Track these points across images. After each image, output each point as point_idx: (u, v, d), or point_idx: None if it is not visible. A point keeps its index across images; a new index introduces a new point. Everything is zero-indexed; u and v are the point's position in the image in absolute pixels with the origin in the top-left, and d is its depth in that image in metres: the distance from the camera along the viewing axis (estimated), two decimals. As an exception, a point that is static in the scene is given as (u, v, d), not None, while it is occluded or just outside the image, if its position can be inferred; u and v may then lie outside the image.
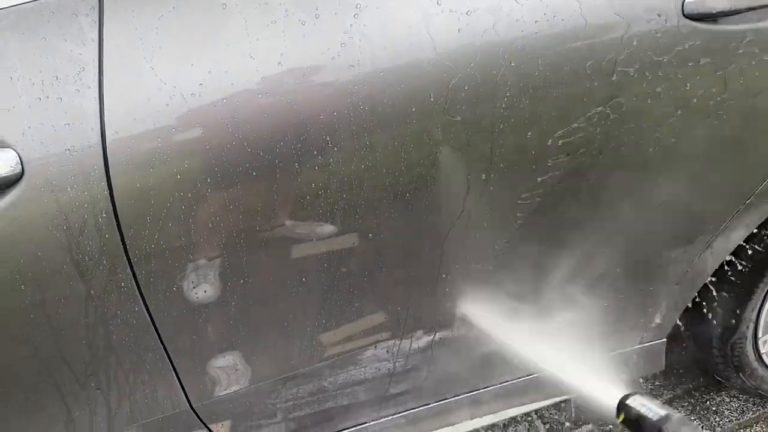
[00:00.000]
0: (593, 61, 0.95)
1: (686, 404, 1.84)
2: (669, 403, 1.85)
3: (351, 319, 1.11)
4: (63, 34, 0.83)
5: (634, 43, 0.96)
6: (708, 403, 1.84)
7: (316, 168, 0.92)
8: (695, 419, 1.79)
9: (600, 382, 1.14)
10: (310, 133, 0.90)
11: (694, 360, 1.94)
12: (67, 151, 0.84)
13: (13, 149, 0.82)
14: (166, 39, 0.85)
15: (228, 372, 1.11)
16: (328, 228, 0.99)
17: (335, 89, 0.89)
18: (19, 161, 0.83)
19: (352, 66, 0.89)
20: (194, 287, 0.97)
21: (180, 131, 0.86)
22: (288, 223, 0.96)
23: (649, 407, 0.98)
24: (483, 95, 0.94)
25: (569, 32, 0.94)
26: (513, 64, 0.93)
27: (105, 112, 0.84)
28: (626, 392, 1.05)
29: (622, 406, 1.02)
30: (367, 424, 1.34)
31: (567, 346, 1.33)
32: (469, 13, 0.91)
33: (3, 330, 0.93)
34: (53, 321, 0.94)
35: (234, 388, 1.13)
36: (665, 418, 0.91)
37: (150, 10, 0.86)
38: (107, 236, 0.89)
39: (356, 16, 0.89)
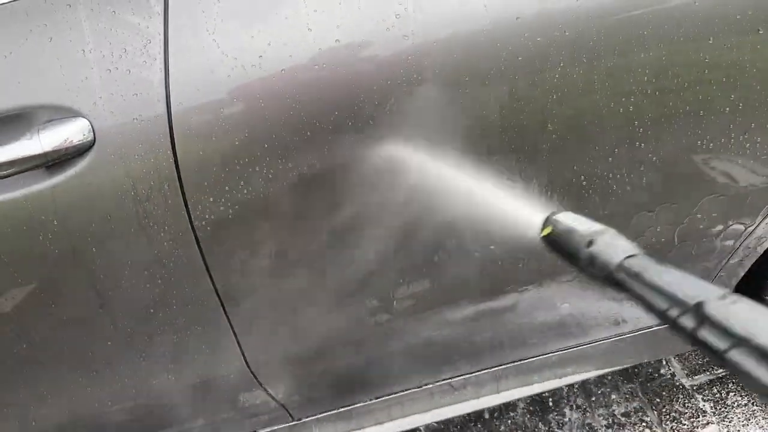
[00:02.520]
0: (649, 30, 0.94)
1: (736, 378, 1.82)
2: (720, 380, 1.83)
3: (400, 286, 1.14)
4: (131, 7, 0.87)
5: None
6: (759, 380, 1.82)
7: (370, 138, 0.95)
8: (746, 395, 1.77)
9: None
10: (364, 103, 0.92)
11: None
12: (135, 120, 0.88)
13: (85, 118, 0.87)
14: (228, 11, 0.88)
15: (285, 335, 1.15)
16: (379, 196, 1.01)
17: (390, 60, 0.91)
18: (91, 130, 0.88)
19: (406, 36, 0.90)
20: (253, 253, 1.01)
21: (241, 102, 0.90)
22: (341, 190, 0.99)
23: (581, 221, 0.84)
24: (536, 65, 0.94)
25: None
26: (567, 34, 0.93)
27: (170, 83, 0.88)
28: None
29: (550, 221, 0.89)
30: (418, 389, 1.38)
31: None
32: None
33: (76, 288, 0.99)
34: (121, 282, 0.99)
35: (291, 350, 1.18)
36: (600, 231, 0.78)
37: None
38: (171, 202, 0.93)
39: (411, -12, 0.90)
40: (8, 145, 0.87)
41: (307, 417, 1.37)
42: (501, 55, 0.92)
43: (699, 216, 1.18)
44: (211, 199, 0.94)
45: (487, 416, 1.81)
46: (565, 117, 0.99)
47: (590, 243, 0.77)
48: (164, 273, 1.00)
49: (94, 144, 0.88)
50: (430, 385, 1.39)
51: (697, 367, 1.88)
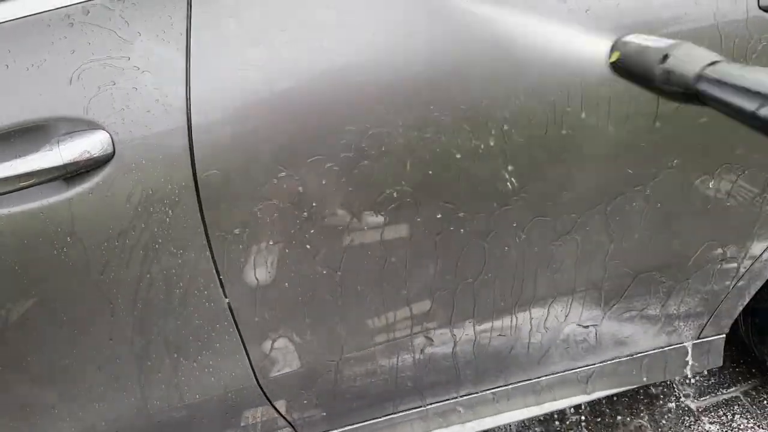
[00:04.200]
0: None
1: (742, 402, 1.81)
2: (726, 402, 1.82)
3: (401, 306, 1.15)
4: (154, 22, 0.88)
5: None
6: (765, 402, 1.81)
7: (383, 159, 0.95)
8: (751, 418, 1.77)
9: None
10: (377, 122, 0.93)
11: (753, 358, 1.91)
12: (155, 134, 0.89)
13: (105, 131, 0.88)
14: (247, 30, 0.90)
15: (294, 351, 1.15)
16: (383, 217, 1.02)
17: (412, 82, 0.93)
18: (111, 142, 0.88)
19: (420, 61, 0.92)
20: (267, 268, 1.01)
21: (259, 117, 0.90)
22: (353, 210, 1.00)
23: (652, 38, 0.76)
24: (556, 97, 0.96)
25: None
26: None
27: (191, 97, 0.89)
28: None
29: (618, 44, 0.81)
30: (419, 409, 1.37)
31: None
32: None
33: (89, 301, 0.99)
34: (134, 295, 0.99)
35: (298, 367, 1.17)
36: (675, 45, 0.70)
37: (232, 2, 0.90)
38: (188, 215, 0.94)
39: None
40: (28, 157, 0.87)
41: (314, 434, 1.36)
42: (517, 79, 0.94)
43: (716, 228, 1.20)
44: (228, 214, 0.94)
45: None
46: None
47: (665, 58, 0.69)
48: (178, 287, 0.99)
49: (113, 156, 0.89)
50: (437, 405, 1.38)
51: (703, 389, 1.87)
